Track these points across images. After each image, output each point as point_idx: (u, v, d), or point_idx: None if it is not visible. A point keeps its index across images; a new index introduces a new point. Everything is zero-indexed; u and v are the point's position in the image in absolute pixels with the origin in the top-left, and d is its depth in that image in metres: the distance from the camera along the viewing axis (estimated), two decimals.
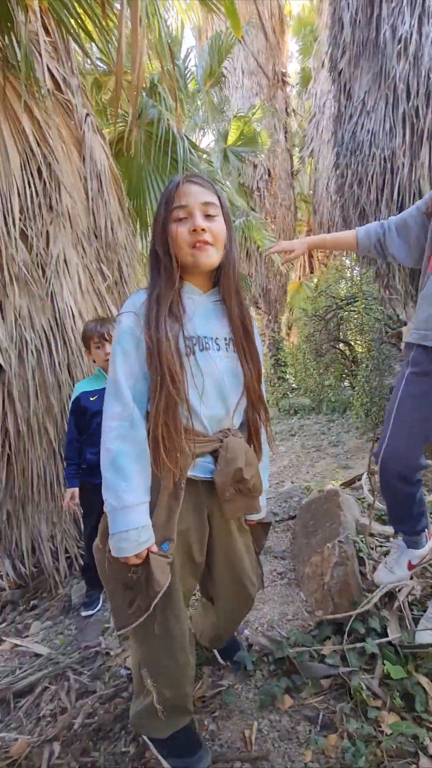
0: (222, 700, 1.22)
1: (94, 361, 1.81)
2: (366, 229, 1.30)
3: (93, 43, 2.77)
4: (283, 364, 8.65)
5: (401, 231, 1.24)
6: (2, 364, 1.96)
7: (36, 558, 2.15)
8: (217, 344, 0.91)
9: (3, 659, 1.71)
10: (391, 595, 1.35)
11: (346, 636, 1.22)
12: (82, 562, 2.34)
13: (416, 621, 1.27)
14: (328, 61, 3.12)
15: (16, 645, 1.78)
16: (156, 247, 0.92)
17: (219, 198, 0.92)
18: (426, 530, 1.28)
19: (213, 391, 0.89)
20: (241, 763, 1.02)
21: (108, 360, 1.61)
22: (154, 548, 0.85)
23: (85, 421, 1.77)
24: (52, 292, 2.14)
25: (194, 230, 0.86)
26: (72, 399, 1.80)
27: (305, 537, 1.98)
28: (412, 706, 1.02)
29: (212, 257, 0.89)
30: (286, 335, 12.14)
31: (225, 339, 0.92)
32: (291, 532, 2.37)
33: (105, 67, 3.44)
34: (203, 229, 0.87)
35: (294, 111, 10.49)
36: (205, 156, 3.14)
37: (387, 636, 1.20)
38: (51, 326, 2.13)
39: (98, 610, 1.84)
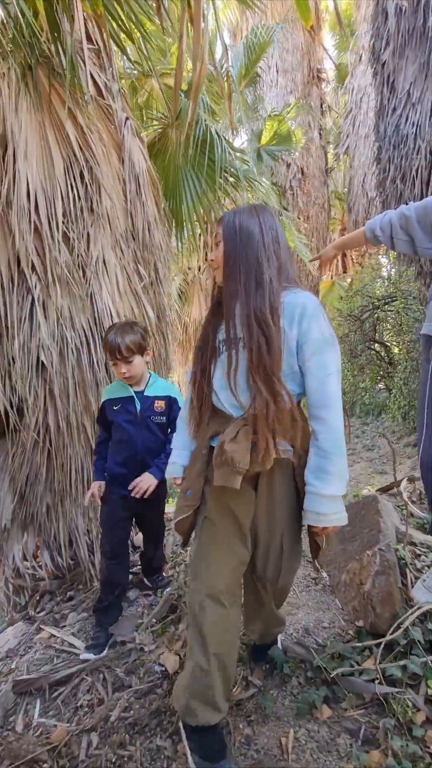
0: (257, 703, 1.20)
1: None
2: (373, 226, 1.33)
3: (132, 47, 2.83)
4: None
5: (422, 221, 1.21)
6: (45, 361, 2.03)
7: (73, 550, 2.21)
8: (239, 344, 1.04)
9: (41, 647, 1.77)
10: None
11: (383, 648, 1.17)
12: None
13: None
14: (369, 53, 3.02)
15: (53, 635, 1.84)
16: None
17: (223, 226, 1.11)
18: None
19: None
20: None
21: (124, 377, 1.64)
22: (178, 481, 1.18)
23: (109, 428, 1.74)
24: (91, 293, 2.20)
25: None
26: (100, 403, 1.78)
27: (341, 543, 1.92)
28: None
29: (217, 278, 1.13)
30: None
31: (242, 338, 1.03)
32: None
33: (136, 71, 3.52)
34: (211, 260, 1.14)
35: (329, 108, 10.29)
36: (239, 155, 3.13)
37: None
38: (90, 326, 2.18)
39: (100, 657, 1.57)
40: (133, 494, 1.58)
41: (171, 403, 1.75)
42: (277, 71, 8.37)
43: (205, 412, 1.10)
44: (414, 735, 0.97)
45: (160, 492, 1.73)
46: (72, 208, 2.12)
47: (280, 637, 1.41)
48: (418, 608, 1.25)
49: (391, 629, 1.21)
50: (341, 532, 2.00)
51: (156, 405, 1.71)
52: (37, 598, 2.19)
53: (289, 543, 1.08)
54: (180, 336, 6.85)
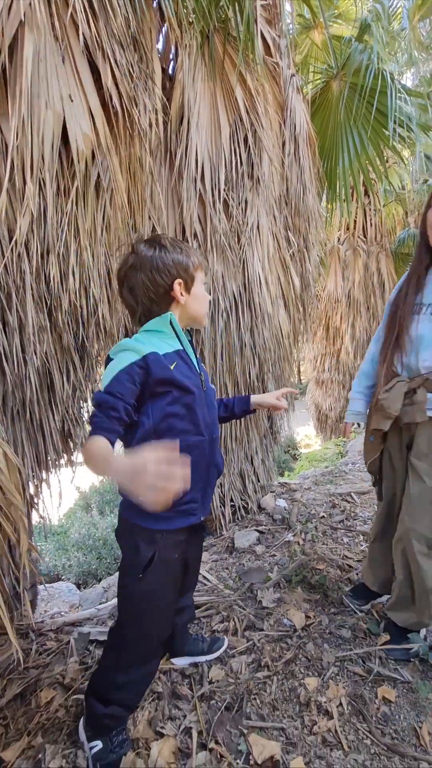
0: (394, 684, 1.16)
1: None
2: None
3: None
4: None
5: None
6: None
7: None
8: None
9: None
10: None
11: None
12: (243, 513, 2.47)
13: None
14: None
15: None
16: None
17: None
18: None
19: None
20: (428, 765, 0.95)
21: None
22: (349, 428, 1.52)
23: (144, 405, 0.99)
24: (244, 259, 2.25)
25: None
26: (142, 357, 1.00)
27: None
28: None
29: None
30: None
31: None
32: None
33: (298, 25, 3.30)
34: None
35: None
36: (417, 99, 2.73)
37: None
38: (240, 292, 2.25)
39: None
40: None
41: None
42: None
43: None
44: None
45: None
46: (234, 174, 2.17)
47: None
48: None
49: None
50: None
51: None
52: None
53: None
54: (313, 310, 6.60)
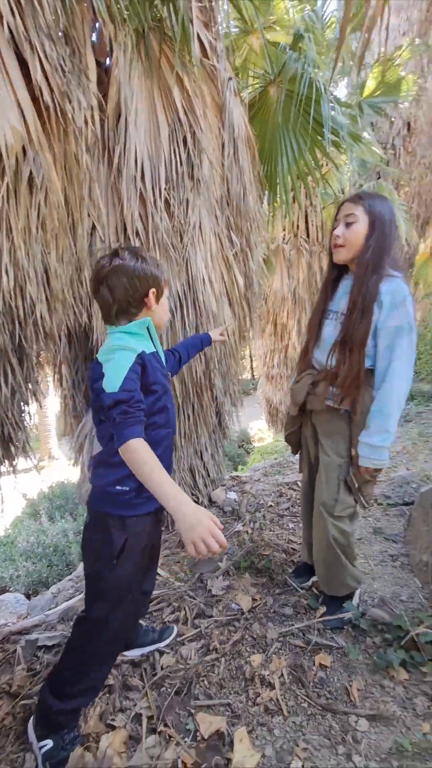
0: (331, 651, 1.27)
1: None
2: None
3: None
4: None
5: None
6: None
7: None
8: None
9: None
10: None
11: None
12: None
13: None
14: None
15: None
16: None
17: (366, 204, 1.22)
18: None
19: None
20: (357, 718, 1.06)
21: None
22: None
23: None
24: (187, 258, 2.28)
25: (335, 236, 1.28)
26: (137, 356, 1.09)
27: (426, 524, 1.86)
28: None
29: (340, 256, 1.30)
30: None
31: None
32: (406, 517, 2.24)
33: (237, 28, 3.37)
34: (337, 235, 1.27)
35: None
36: (346, 110, 2.91)
37: None
38: (184, 291, 2.29)
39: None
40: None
41: None
42: (389, 9, 7.39)
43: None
44: None
45: None
46: (174, 175, 2.19)
47: (358, 594, 1.46)
48: None
49: None
50: (426, 513, 1.93)
51: None
52: None
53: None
54: (259, 308, 6.79)
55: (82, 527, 1.05)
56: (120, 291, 0.99)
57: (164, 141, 2.15)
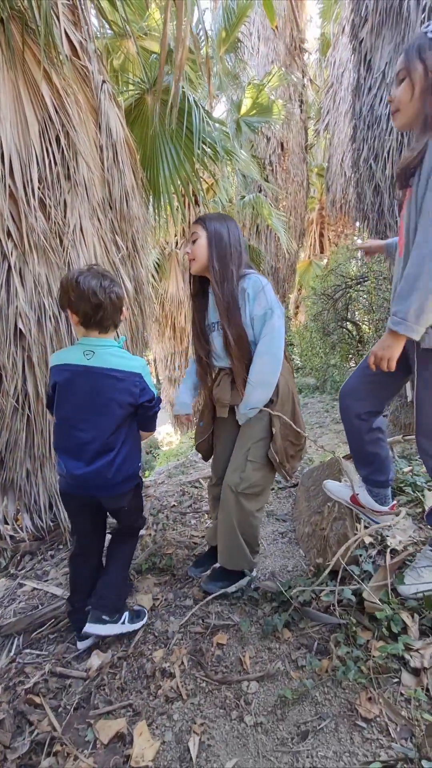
0: (227, 629, 1.37)
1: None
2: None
3: (107, 5, 2.73)
4: (288, 343, 8.69)
5: None
6: (23, 329, 2.05)
7: (53, 513, 2.30)
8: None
9: (25, 599, 1.88)
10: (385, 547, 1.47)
11: (339, 581, 1.35)
12: None
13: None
14: (349, 28, 3.03)
15: (35, 588, 1.95)
16: None
17: (204, 224, 1.47)
18: (387, 498, 1.47)
19: None
20: (248, 682, 1.16)
21: None
22: (190, 418, 1.70)
23: None
24: (69, 262, 2.20)
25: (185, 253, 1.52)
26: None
27: (306, 500, 2.10)
28: (396, 636, 1.15)
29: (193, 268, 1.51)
30: (294, 315, 12.05)
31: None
32: (293, 498, 2.50)
33: (111, 31, 3.37)
34: (187, 252, 1.51)
35: (311, 80, 10.09)
36: (218, 126, 3.11)
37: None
38: None
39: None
40: None
41: None
42: (259, 39, 8.11)
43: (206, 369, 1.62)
44: (358, 643, 1.15)
45: None
46: (48, 174, 2.10)
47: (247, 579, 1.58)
48: (359, 537, 1.43)
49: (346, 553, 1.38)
50: (307, 491, 2.19)
51: None
52: (18, 558, 2.28)
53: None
54: (156, 311, 6.82)
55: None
56: (108, 306, 1.25)
57: (34, 137, 2.04)
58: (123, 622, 1.41)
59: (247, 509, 1.47)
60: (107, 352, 1.27)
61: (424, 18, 2.14)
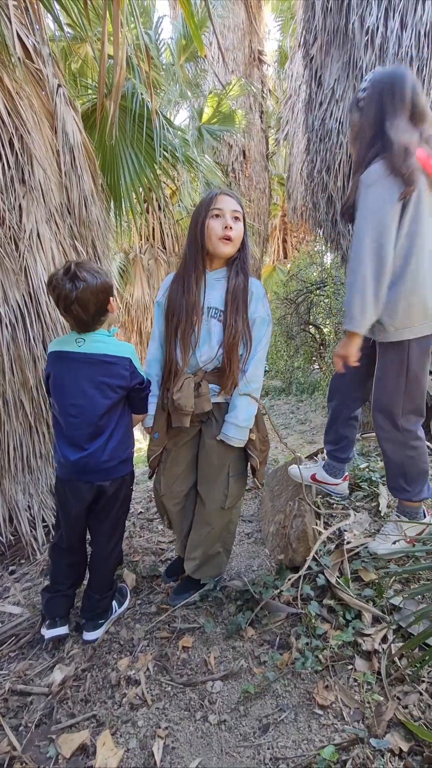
0: (193, 633, 1.38)
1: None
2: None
3: (60, 9, 2.70)
4: None
5: None
6: None
7: (14, 527, 2.22)
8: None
9: None
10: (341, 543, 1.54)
11: (302, 576, 1.40)
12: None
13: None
14: (302, 45, 3.16)
15: None
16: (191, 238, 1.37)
17: (241, 207, 1.36)
18: (341, 472, 1.70)
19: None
20: (212, 682, 1.18)
21: None
22: (149, 430, 1.48)
23: None
24: (25, 267, 2.15)
25: (225, 227, 1.31)
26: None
27: (271, 501, 2.15)
28: (353, 625, 1.20)
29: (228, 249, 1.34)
30: None
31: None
32: (258, 499, 2.55)
33: (71, 33, 3.34)
34: (230, 227, 1.31)
35: (271, 91, 10.37)
36: (180, 133, 3.14)
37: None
38: (25, 301, 2.15)
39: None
40: None
41: None
42: (219, 48, 8.24)
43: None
44: (317, 634, 1.19)
45: None
46: (1, 178, 2.05)
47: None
48: (322, 538, 1.50)
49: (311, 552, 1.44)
50: (271, 491, 2.24)
51: None
52: None
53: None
54: (123, 317, 6.74)
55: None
56: (91, 307, 1.26)
57: None
58: (114, 611, 1.52)
59: (231, 519, 1.51)
60: (97, 339, 1.34)
61: (367, 40, 2.28)
